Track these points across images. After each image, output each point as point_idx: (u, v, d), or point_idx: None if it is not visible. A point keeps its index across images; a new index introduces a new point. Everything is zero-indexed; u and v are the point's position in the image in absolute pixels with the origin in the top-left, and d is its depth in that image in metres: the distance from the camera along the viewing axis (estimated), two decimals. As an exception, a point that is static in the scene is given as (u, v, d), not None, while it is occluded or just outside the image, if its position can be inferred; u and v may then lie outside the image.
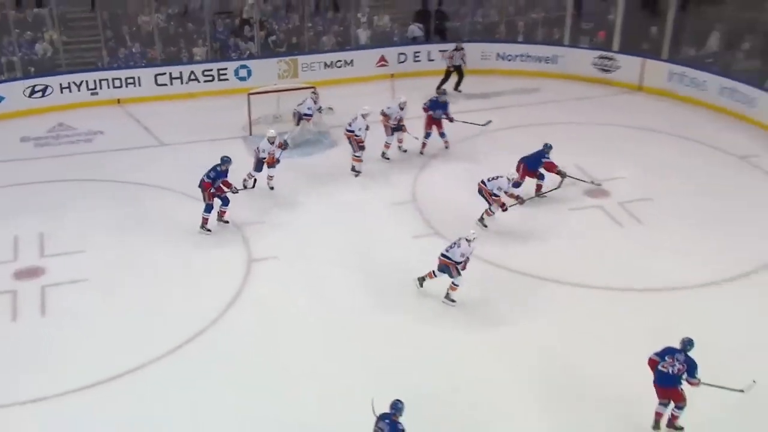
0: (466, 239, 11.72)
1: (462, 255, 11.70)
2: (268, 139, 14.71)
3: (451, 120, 16.58)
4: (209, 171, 13.59)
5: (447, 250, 11.81)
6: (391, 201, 14.80)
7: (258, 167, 14.93)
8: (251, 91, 17.75)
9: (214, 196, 13.66)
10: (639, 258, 13.06)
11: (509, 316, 11.75)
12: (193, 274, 12.70)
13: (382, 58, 20.80)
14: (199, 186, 13.64)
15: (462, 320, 11.68)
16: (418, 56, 21.03)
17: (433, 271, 12.00)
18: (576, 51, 20.89)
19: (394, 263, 13.01)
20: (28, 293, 12.20)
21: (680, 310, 11.75)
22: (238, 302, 12.03)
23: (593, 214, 14.42)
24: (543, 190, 14.76)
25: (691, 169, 16.05)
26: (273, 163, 14.88)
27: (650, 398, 9.52)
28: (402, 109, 16.18)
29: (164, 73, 19.48)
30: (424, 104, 16.59)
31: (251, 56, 20.04)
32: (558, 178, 14.79)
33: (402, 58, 20.91)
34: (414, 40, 21.13)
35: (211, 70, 19.75)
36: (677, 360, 9.29)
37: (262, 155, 14.77)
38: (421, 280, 12.14)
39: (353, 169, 15.87)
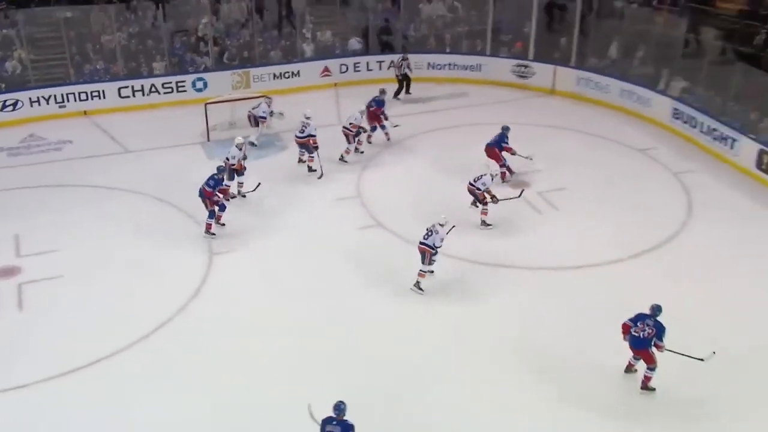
0: (439, 224, 11.69)
1: (441, 240, 11.65)
2: (236, 146, 14.39)
3: (386, 118, 16.90)
4: (208, 180, 13.17)
5: (425, 238, 11.68)
6: (338, 197, 14.81)
7: (231, 176, 14.31)
8: (208, 101, 17.56)
9: (214, 203, 13.30)
10: (559, 240, 13.33)
11: (463, 300, 11.84)
12: (159, 268, 12.56)
13: (326, 69, 20.75)
14: (200, 195, 13.25)
15: (415, 300, 11.78)
16: (358, 67, 21.01)
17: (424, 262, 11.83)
18: (497, 60, 21.07)
19: (342, 252, 13.07)
20: (6, 290, 11.95)
21: (601, 283, 12.17)
22: (202, 292, 11.97)
23: (516, 204, 14.60)
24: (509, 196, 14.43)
25: (598, 161, 16.41)
26: (241, 169, 14.50)
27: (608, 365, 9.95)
28: (362, 114, 16.34)
29: (127, 86, 19.14)
30: (369, 103, 16.78)
31: (207, 69, 19.82)
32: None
33: (344, 68, 20.87)
34: (354, 53, 21.11)
35: (170, 82, 19.46)
36: (647, 325, 9.57)
37: (232, 162, 14.27)
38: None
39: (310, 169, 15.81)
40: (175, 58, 19.84)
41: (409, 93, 20.21)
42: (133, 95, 19.20)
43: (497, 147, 15.26)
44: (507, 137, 15.31)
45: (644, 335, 9.58)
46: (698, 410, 9.71)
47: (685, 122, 17.50)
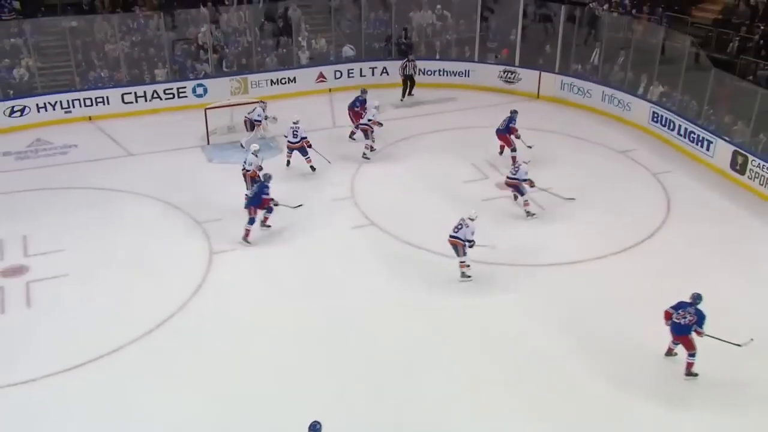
0: (470, 218, 11.74)
1: (472, 233, 11.69)
2: (252, 153, 14.15)
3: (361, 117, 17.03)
4: (263, 188, 12.92)
5: (456, 231, 11.75)
6: (333, 197, 14.78)
7: (252, 184, 13.89)
8: (208, 106, 17.52)
9: (257, 210, 13.08)
10: (544, 239, 13.31)
11: (457, 297, 11.80)
12: (161, 267, 12.51)
13: (321, 75, 20.70)
14: (251, 203, 13.00)
15: (410, 297, 11.75)
16: (351, 73, 20.94)
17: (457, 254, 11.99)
18: (484, 66, 21.04)
19: (337, 250, 13.04)
20: (14, 289, 11.90)
21: (585, 279, 12.23)
22: (202, 290, 11.94)
23: (503, 204, 14.61)
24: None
25: (580, 162, 16.42)
26: (256, 177, 14.01)
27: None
28: (377, 110, 16.63)
29: (130, 93, 19.05)
30: (353, 103, 17.20)
31: (207, 76, 19.76)
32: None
33: (338, 74, 20.81)
34: (348, 59, 21.08)
35: (172, 88, 19.38)
36: (688, 312, 9.62)
37: (248, 168, 13.99)
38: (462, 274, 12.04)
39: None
40: (176, 65, 19.78)
41: (412, 94, 20.25)
42: (136, 101, 19.11)
43: (506, 132, 15.72)
44: (514, 119, 15.75)
45: (685, 322, 9.65)
46: (739, 395, 9.77)
47: (664, 125, 17.52)
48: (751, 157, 15.12)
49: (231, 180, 15.45)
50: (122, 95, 18.99)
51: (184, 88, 19.45)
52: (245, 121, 17.10)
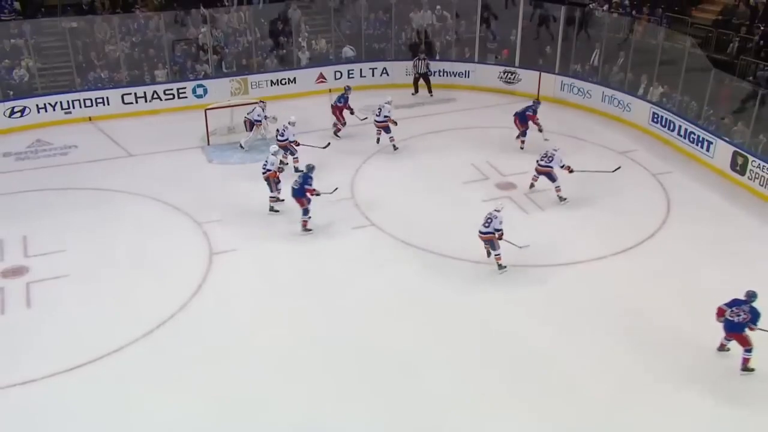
0: (496, 210, 11.99)
1: (500, 223, 11.91)
2: (273, 154, 14.13)
3: (351, 112, 17.52)
4: (306, 179, 13.16)
5: (486, 226, 11.99)
6: (332, 198, 14.72)
7: (276, 186, 14.06)
8: (208, 107, 17.52)
9: (305, 201, 13.26)
10: (544, 239, 13.27)
11: (455, 296, 11.81)
12: (161, 268, 12.51)
13: (321, 76, 20.71)
14: (295, 195, 13.25)
15: (410, 296, 11.76)
16: (352, 74, 20.95)
17: (488, 250, 12.35)
18: (484, 67, 21.06)
19: (337, 251, 13.06)
20: (14, 289, 11.89)
21: (584, 279, 12.25)
22: (202, 291, 11.92)
23: (504, 205, 14.57)
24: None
25: (580, 162, 16.32)
26: (275, 177, 13.99)
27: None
28: (389, 105, 16.89)
29: (130, 93, 19.07)
30: (337, 99, 17.41)
31: (207, 77, 19.78)
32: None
33: (338, 75, 20.82)
34: (348, 60, 21.09)
35: (172, 89, 19.40)
36: (743, 310, 9.68)
37: (271, 169, 13.91)
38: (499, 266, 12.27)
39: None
40: (176, 66, 19.79)
41: (416, 92, 20.52)
42: (136, 101, 19.13)
43: (522, 118, 16.58)
44: (533, 109, 16.62)
45: (739, 320, 9.70)
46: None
47: (664, 126, 17.54)
48: (751, 158, 15.13)
49: (231, 180, 15.53)
50: (122, 96, 19.01)
51: (184, 88, 19.46)
52: (245, 122, 17.14)
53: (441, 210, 14.33)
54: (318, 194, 13.40)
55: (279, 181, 14.01)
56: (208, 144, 17.32)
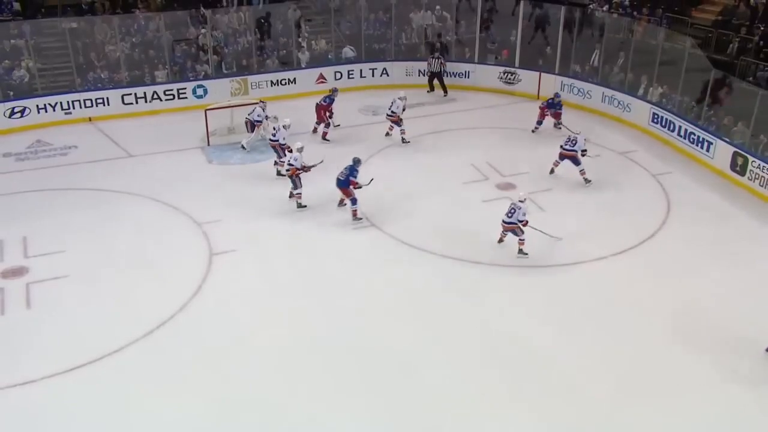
0: (520, 201, 12.46)
1: (524, 214, 12.40)
2: (297, 150, 14.18)
3: (331, 115, 17.47)
4: (352, 170, 13.62)
5: (509, 216, 12.49)
6: (332, 198, 14.71)
7: (298, 183, 14.26)
8: (208, 108, 17.51)
9: (351, 193, 13.72)
10: (545, 240, 13.18)
11: (456, 297, 11.78)
12: (161, 267, 12.51)
13: (321, 76, 20.71)
14: (340, 185, 13.70)
15: (408, 297, 11.74)
16: (351, 74, 20.98)
17: (501, 237, 12.86)
18: (484, 67, 21.07)
19: (337, 251, 13.06)
20: (14, 290, 11.87)
21: (586, 280, 12.27)
22: (202, 291, 11.90)
23: (503, 205, 14.54)
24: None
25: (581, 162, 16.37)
26: (295, 174, 14.13)
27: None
28: (404, 101, 17.16)
29: (130, 94, 19.06)
30: (322, 100, 17.44)
31: (207, 77, 19.78)
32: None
33: (338, 75, 20.83)
34: (348, 60, 21.10)
35: (172, 90, 19.40)
36: None
37: (295, 164, 14.03)
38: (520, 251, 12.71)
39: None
40: (176, 66, 19.80)
41: (431, 90, 20.68)
42: (136, 102, 19.12)
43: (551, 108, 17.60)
44: (553, 102, 17.68)
45: None
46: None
47: (664, 126, 17.56)
48: (751, 158, 15.14)
49: (231, 181, 15.53)
50: (122, 96, 19.00)
51: (184, 89, 19.46)
52: (246, 122, 17.11)
53: (441, 210, 14.32)
54: (360, 186, 13.72)
55: (298, 178, 14.20)
56: (208, 144, 17.31)
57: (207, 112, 17.26)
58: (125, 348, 10.51)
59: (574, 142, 15.03)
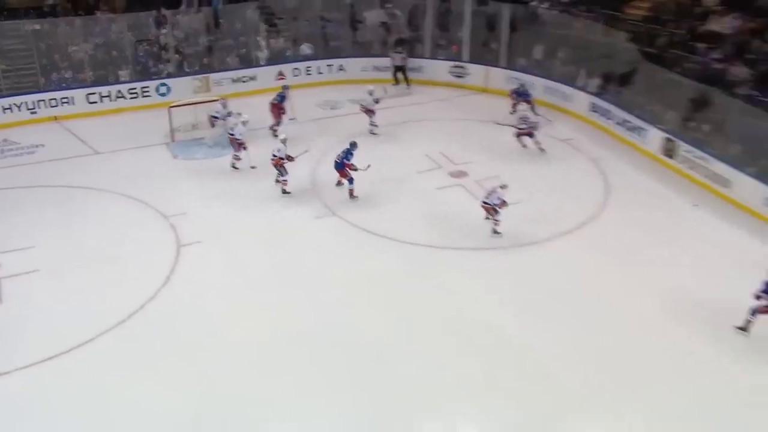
0: (500, 187, 12.79)
1: (498, 198, 12.64)
2: (281, 141, 14.26)
3: (284, 112, 17.27)
4: (347, 154, 13.97)
5: (487, 198, 12.85)
6: (294, 189, 14.69)
7: (283, 172, 14.33)
8: (171, 105, 17.26)
9: (347, 174, 14.04)
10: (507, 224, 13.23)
11: (414, 280, 11.75)
12: (131, 259, 12.35)
13: (281, 73, 20.56)
14: (336, 167, 14.12)
15: (371, 281, 11.69)
16: (309, 70, 20.89)
17: (487, 217, 13.04)
18: (436, 62, 21.16)
19: (301, 240, 13.04)
20: (-14, 286, 11.58)
21: (539, 259, 12.42)
22: (171, 281, 11.80)
23: (457, 192, 14.74)
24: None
25: (525, 150, 16.62)
26: (279, 164, 14.23)
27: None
28: (371, 95, 17.16)
29: (95, 93, 18.69)
30: (273, 99, 17.16)
31: (169, 75, 19.48)
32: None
33: (296, 72, 20.71)
34: (306, 57, 20.99)
35: (136, 88, 19.07)
36: None
37: (280, 156, 14.12)
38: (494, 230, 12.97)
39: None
40: (139, 65, 19.46)
41: (396, 83, 20.64)
42: (101, 101, 18.76)
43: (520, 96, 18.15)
44: (521, 92, 18.09)
45: None
46: None
47: (602, 115, 17.88)
48: (680, 143, 15.55)
49: (196, 175, 15.39)
50: (87, 95, 18.62)
51: (148, 87, 19.15)
52: (209, 119, 16.91)
53: (397, 198, 14.42)
54: (356, 169, 13.99)
55: (283, 167, 14.28)
56: (173, 140, 17.07)
57: (170, 109, 17.01)
58: (98, 337, 10.37)
59: (525, 119, 16.22)
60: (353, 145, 14.18)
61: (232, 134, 15.39)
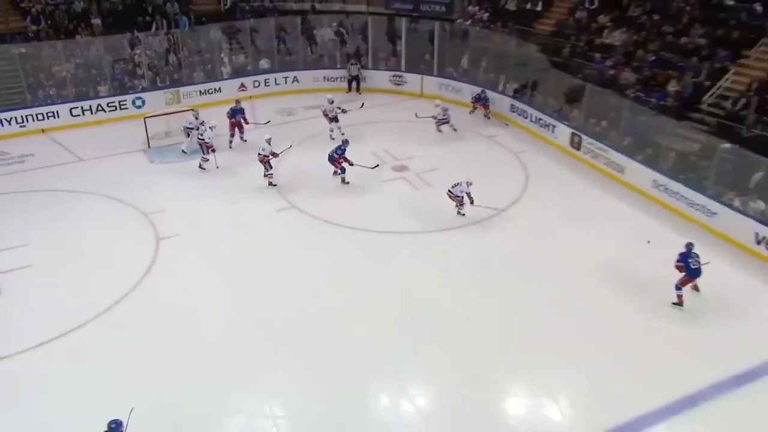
0: (467, 182, 12.81)
1: (461, 191, 12.80)
2: (266, 141, 14.19)
3: (246, 122, 16.77)
4: (337, 149, 14.22)
5: (452, 188, 12.92)
6: (257, 186, 14.54)
7: (268, 167, 14.30)
8: (146, 116, 16.84)
9: (338, 165, 14.24)
10: (430, 210, 13.47)
11: (365, 262, 11.70)
12: (115, 253, 12.09)
13: (243, 85, 20.25)
14: (329, 160, 14.30)
15: (332, 268, 11.54)
16: (268, 82, 20.60)
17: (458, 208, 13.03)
18: (377, 72, 21.13)
19: (264, 232, 12.90)
20: (-17, 281, 11.17)
21: (472, 238, 12.54)
22: (152, 271, 11.59)
23: (400, 184, 14.79)
24: None
25: (457, 145, 16.81)
26: (265, 161, 14.19)
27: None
28: (331, 103, 16.81)
29: (77, 107, 18.09)
30: (228, 112, 16.62)
31: (144, 90, 18.98)
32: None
33: (257, 84, 20.43)
34: (264, 71, 20.69)
35: (114, 102, 18.53)
36: (698, 256, 10.13)
37: (264, 154, 14.10)
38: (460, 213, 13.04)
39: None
40: (117, 82, 18.92)
41: (359, 92, 20.51)
42: (83, 114, 18.18)
43: (479, 101, 18.36)
44: (482, 97, 18.23)
45: (698, 265, 10.12)
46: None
47: (520, 114, 18.15)
48: (584, 137, 15.93)
49: (172, 177, 15.11)
50: (70, 109, 18.03)
51: (125, 101, 18.64)
52: (184, 130, 16.50)
53: (349, 191, 14.42)
54: (351, 164, 14.29)
55: (268, 164, 14.25)
56: (149, 147, 16.67)
57: (146, 119, 16.61)
58: (87, 323, 10.15)
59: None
60: (345, 142, 14.45)
61: (201, 138, 15.15)
